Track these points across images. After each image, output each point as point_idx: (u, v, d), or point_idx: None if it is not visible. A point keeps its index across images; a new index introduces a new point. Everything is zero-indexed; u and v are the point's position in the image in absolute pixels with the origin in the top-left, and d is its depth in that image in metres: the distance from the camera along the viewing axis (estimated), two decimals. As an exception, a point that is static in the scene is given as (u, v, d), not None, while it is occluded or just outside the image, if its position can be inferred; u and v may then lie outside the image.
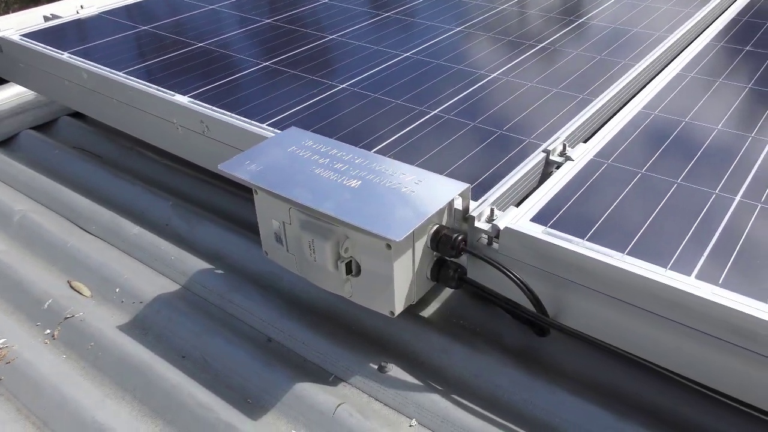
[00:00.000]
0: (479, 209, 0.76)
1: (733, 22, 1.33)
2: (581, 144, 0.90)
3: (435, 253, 0.76)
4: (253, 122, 0.98)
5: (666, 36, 1.26)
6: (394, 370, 0.77)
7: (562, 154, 0.89)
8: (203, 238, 1.01)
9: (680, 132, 0.93)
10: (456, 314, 0.85)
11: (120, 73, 1.15)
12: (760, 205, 0.77)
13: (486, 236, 0.76)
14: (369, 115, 1.01)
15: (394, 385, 0.76)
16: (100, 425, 0.72)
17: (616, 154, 0.88)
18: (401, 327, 0.83)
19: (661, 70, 1.17)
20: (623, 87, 1.07)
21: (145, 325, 0.86)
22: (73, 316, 0.86)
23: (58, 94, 1.28)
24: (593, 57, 1.19)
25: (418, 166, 0.88)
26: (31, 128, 1.35)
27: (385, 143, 0.94)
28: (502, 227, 0.74)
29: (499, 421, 0.72)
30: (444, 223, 0.76)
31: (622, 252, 0.70)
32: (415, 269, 0.74)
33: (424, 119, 1.00)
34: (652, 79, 1.16)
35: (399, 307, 0.74)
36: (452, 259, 0.77)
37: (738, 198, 0.78)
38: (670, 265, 0.68)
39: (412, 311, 0.84)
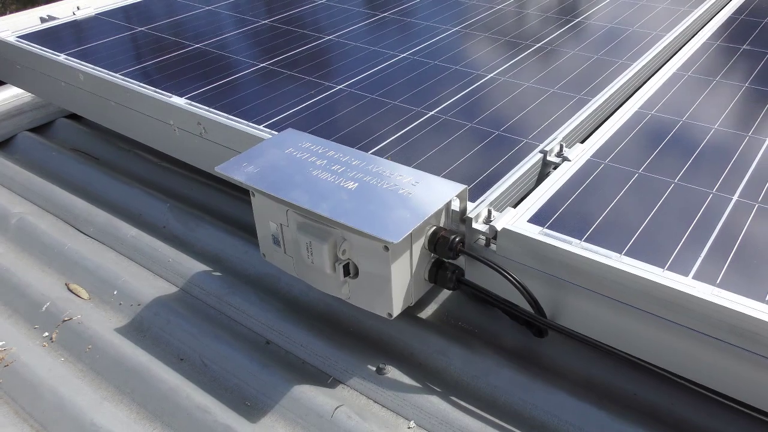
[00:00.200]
0: (477, 210, 0.76)
1: (730, 20, 1.33)
2: (578, 144, 0.90)
3: (432, 254, 0.76)
4: (250, 124, 0.98)
5: (662, 35, 1.26)
6: (393, 372, 0.77)
7: (559, 154, 0.89)
8: (201, 240, 1.01)
9: (677, 132, 0.93)
10: (454, 316, 0.85)
11: (117, 75, 1.15)
12: (757, 205, 0.77)
13: (484, 237, 0.76)
14: (366, 117, 1.01)
15: (392, 386, 0.76)
16: (98, 428, 0.72)
17: (613, 154, 0.88)
18: (399, 329, 0.83)
19: (658, 70, 1.17)
20: (620, 87, 1.07)
21: (142, 328, 0.86)
22: (71, 318, 0.86)
23: (54, 96, 1.28)
24: (590, 57, 1.19)
25: (415, 167, 0.88)
26: (28, 130, 1.35)
27: (382, 144, 0.94)
28: (499, 228, 0.74)
29: (497, 422, 0.72)
30: (441, 225, 0.76)
31: (620, 252, 0.70)
32: (413, 271, 0.74)
33: (421, 120, 1.00)
34: (648, 78, 1.16)
35: (397, 309, 0.74)
36: (450, 260, 0.77)
37: (735, 197, 0.78)
38: (667, 265, 0.68)
39: (410, 313, 0.84)
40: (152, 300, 0.89)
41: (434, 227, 0.74)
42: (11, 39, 1.31)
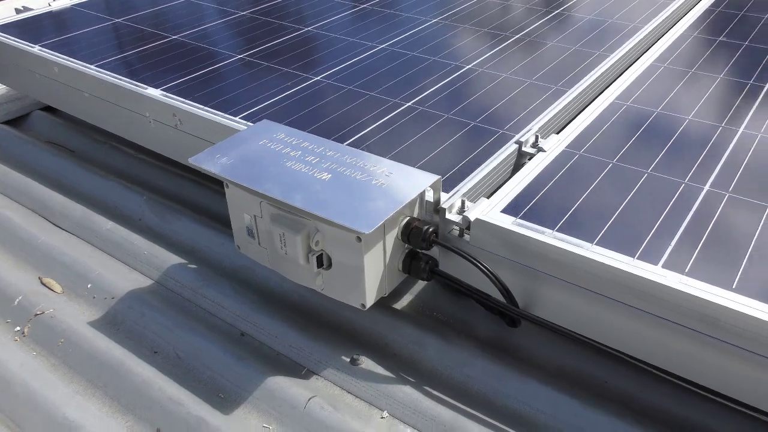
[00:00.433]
0: (450, 201, 0.76)
1: (707, 12, 1.34)
2: (554, 135, 0.90)
3: (406, 245, 0.76)
4: (225, 115, 0.98)
5: (640, 27, 1.27)
6: (367, 363, 0.77)
7: (535, 145, 0.90)
8: (177, 232, 1.00)
9: (652, 122, 0.93)
10: (429, 306, 0.85)
11: (92, 66, 1.14)
12: (728, 194, 0.78)
13: (457, 228, 0.77)
14: (343, 108, 1.01)
15: (366, 377, 0.76)
16: (71, 422, 0.72)
17: (588, 144, 0.88)
18: (374, 320, 0.83)
19: (635, 61, 1.17)
20: (597, 78, 1.07)
21: (116, 321, 0.85)
22: (43, 312, 0.86)
23: (29, 88, 1.27)
24: (568, 48, 1.19)
25: (391, 158, 0.88)
26: (2, 123, 1.33)
27: (358, 135, 0.94)
28: (472, 219, 0.74)
29: (470, 411, 0.72)
30: (415, 215, 0.76)
31: (591, 242, 0.71)
32: (386, 261, 0.74)
33: (398, 111, 1.00)
34: (626, 69, 1.16)
35: (370, 300, 0.74)
36: (423, 251, 0.77)
37: (707, 187, 0.79)
38: (637, 254, 0.69)
39: (385, 304, 0.84)
40: (126, 293, 0.88)
41: (408, 218, 0.74)
42: (-15, 30, 1.29)
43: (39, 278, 0.93)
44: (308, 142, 0.80)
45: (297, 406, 0.72)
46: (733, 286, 0.64)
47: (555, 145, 0.88)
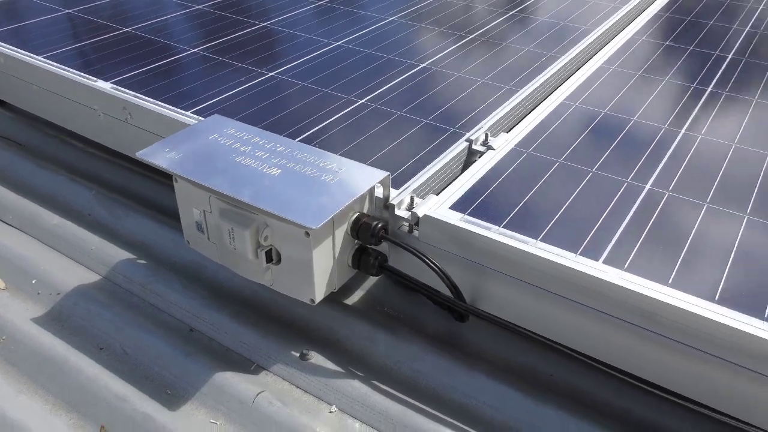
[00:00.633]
0: (400, 197, 0.77)
1: (656, 17, 1.38)
2: (504, 134, 0.92)
3: (356, 241, 0.76)
4: (176, 109, 0.97)
5: (591, 30, 1.29)
6: (316, 358, 0.78)
7: (485, 143, 0.91)
8: (127, 227, 0.99)
9: (599, 123, 0.96)
10: (379, 302, 0.86)
11: (39, 58, 1.11)
12: (668, 193, 0.80)
13: (406, 224, 0.77)
14: (296, 104, 1.01)
15: (315, 372, 0.76)
16: (12, 421, 0.71)
17: (536, 143, 0.90)
18: (325, 315, 0.83)
19: (585, 63, 1.20)
20: (547, 79, 1.09)
21: (62, 317, 0.84)
22: (-15, 308, 0.84)
23: (-25, 79, 1.23)
24: (521, 49, 1.21)
25: (342, 154, 0.89)
26: (-54, 114, 1.29)
27: (310, 132, 0.94)
28: (421, 215, 0.75)
29: (418, 405, 0.73)
30: (365, 211, 0.76)
31: (536, 238, 0.72)
32: (336, 257, 0.74)
33: (351, 108, 1.00)
34: (576, 71, 1.19)
35: (319, 295, 0.74)
36: (373, 246, 0.77)
37: (648, 186, 0.81)
38: (580, 250, 0.70)
39: (335, 299, 0.85)
40: (73, 289, 0.87)
41: (357, 213, 0.74)
42: (-72, 19, 1.25)
43: (-19, 274, 0.90)
44: (259, 137, 0.80)
45: (245, 402, 0.72)
46: (670, 282, 0.67)
47: (504, 144, 0.90)
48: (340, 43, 1.23)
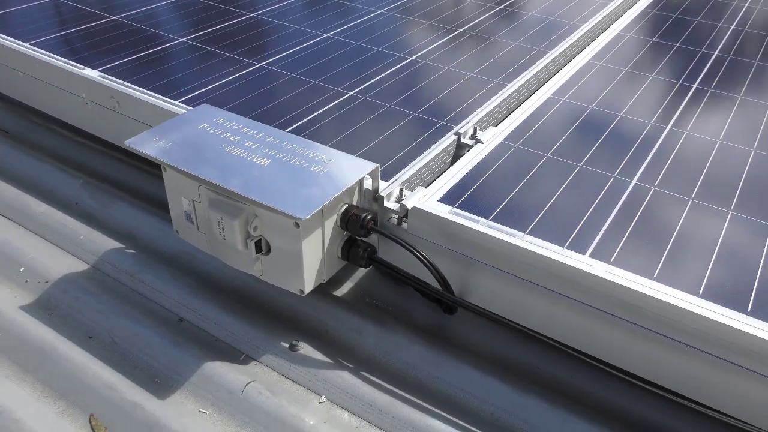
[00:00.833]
0: (389, 189, 0.78)
1: (643, 14, 1.39)
2: (492, 127, 0.93)
3: (345, 232, 0.77)
4: (165, 98, 0.97)
5: (579, 25, 1.30)
6: (305, 349, 0.78)
7: (473, 137, 0.92)
8: (115, 217, 0.98)
9: (585, 118, 0.97)
10: (368, 293, 0.87)
11: (26, 45, 1.10)
12: (653, 188, 0.81)
13: (395, 216, 0.78)
14: (285, 95, 1.01)
15: (304, 363, 0.77)
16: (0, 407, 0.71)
17: (524, 138, 0.91)
18: (314, 306, 0.83)
19: (573, 58, 1.21)
20: (535, 73, 1.10)
21: (50, 306, 0.84)
22: (-29, 296, 0.83)
23: (-41, 66, 1.22)
24: (510, 43, 1.22)
25: (331, 146, 0.89)
26: (-70, 101, 1.28)
27: (300, 123, 0.94)
28: (410, 207, 0.75)
29: (406, 396, 0.74)
30: (354, 203, 0.76)
31: (524, 232, 0.73)
32: (325, 248, 0.75)
33: (340, 100, 1.00)
34: (563, 66, 1.20)
35: (309, 286, 0.75)
36: (362, 238, 0.78)
37: (634, 181, 0.83)
38: (567, 244, 0.71)
39: (325, 291, 0.85)
40: (61, 277, 0.87)
41: (346, 205, 0.75)
42: None
43: (-33, 262, 0.90)
44: (248, 127, 0.80)
45: (234, 391, 0.73)
46: (655, 276, 0.68)
47: (493, 138, 0.90)
48: (329, 34, 1.23)
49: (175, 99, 0.97)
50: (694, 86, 1.07)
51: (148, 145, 0.76)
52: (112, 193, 1.02)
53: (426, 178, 0.86)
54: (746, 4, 1.46)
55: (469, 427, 0.70)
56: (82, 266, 0.90)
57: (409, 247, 0.75)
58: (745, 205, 0.79)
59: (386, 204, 0.77)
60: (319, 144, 0.78)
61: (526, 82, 1.07)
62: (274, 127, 0.89)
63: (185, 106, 0.95)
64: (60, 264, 0.90)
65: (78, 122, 1.08)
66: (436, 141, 0.90)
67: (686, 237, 0.74)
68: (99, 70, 1.04)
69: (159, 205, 1.02)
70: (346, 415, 0.72)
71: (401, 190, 0.78)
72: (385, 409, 0.72)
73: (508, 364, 0.78)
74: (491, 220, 0.75)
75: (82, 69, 1.03)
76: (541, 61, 1.14)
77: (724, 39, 1.26)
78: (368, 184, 0.77)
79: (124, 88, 0.98)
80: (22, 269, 0.89)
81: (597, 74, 1.10)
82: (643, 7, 1.42)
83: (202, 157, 0.74)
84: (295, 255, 0.72)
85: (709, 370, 0.65)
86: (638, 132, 0.94)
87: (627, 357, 0.69)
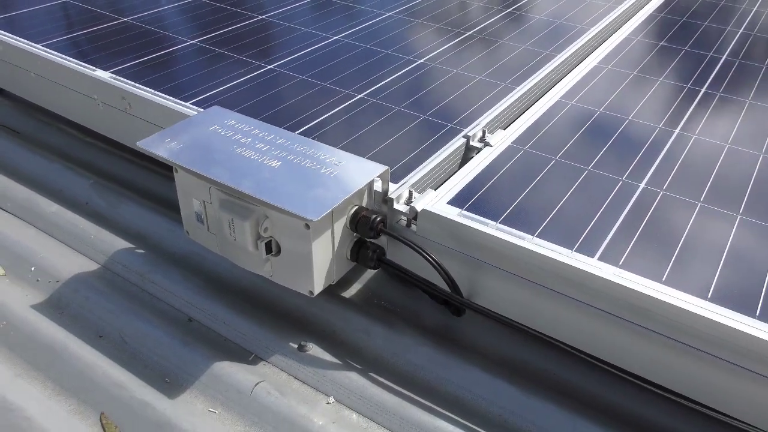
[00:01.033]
0: (398, 191, 0.78)
1: (651, 17, 1.39)
2: (500, 130, 0.93)
3: (354, 234, 0.77)
4: (176, 100, 0.97)
5: (587, 29, 1.31)
6: (314, 350, 0.79)
7: (482, 140, 0.92)
8: (124, 217, 0.99)
9: (594, 122, 0.97)
10: (377, 295, 0.87)
11: (38, 46, 1.11)
12: (662, 192, 0.82)
13: (405, 218, 0.78)
14: (295, 97, 1.02)
15: (313, 363, 0.77)
16: (10, 404, 0.71)
17: (532, 141, 0.91)
18: (322, 307, 0.84)
19: (581, 62, 1.21)
20: (544, 77, 1.10)
21: (61, 305, 0.84)
22: (-16, 295, 0.84)
23: (-29, 66, 1.23)
24: (518, 46, 1.22)
25: (341, 148, 0.90)
26: (-58, 101, 1.29)
27: (309, 125, 0.94)
28: (419, 209, 0.76)
29: (414, 397, 0.74)
30: (364, 205, 0.77)
31: (533, 234, 0.73)
32: (335, 249, 0.75)
33: (349, 102, 1.01)
34: (572, 69, 1.20)
35: (318, 287, 0.75)
36: (371, 240, 0.78)
37: (642, 185, 0.83)
38: (575, 247, 0.72)
39: (333, 292, 0.86)
40: (71, 277, 0.87)
41: (356, 207, 0.75)
42: (-76, 4, 1.25)
43: (-21, 261, 0.91)
44: (259, 129, 0.81)
45: (243, 391, 0.73)
46: (663, 279, 0.68)
47: (501, 141, 0.91)
48: (338, 37, 1.23)
49: (186, 101, 0.98)
50: (703, 90, 1.08)
51: (160, 146, 0.76)
52: (121, 193, 1.03)
53: (435, 181, 0.86)
54: (754, 8, 1.46)
55: (477, 428, 0.71)
56: (92, 266, 0.91)
57: (418, 249, 0.75)
58: (753, 209, 0.79)
59: (396, 206, 0.77)
60: (328, 146, 0.78)
61: (534, 86, 1.07)
62: (283, 129, 0.90)
63: (196, 107, 0.96)
64: (71, 263, 0.90)
65: (89, 123, 1.09)
66: (445, 144, 0.91)
67: (695, 240, 0.74)
68: (110, 72, 1.04)
69: (168, 206, 1.02)
70: (354, 415, 0.72)
71: (410, 193, 0.79)
72: (393, 410, 0.72)
73: (516, 366, 0.78)
74: (500, 222, 0.75)
75: (94, 70, 1.04)
76: (549, 64, 1.14)
77: (733, 43, 1.27)
78: (378, 186, 0.78)
79: (136, 89, 0.99)
80: (33, 268, 0.89)
81: (605, 78, 1.11)
82: (651, 11, 1.42)
83: (213, 158, 0.74)
84: (305, 256, 0.72)
85: (717, 373, 0.65)
86: (646, 136, 0.94)
87: (635, 360, 0.69)
